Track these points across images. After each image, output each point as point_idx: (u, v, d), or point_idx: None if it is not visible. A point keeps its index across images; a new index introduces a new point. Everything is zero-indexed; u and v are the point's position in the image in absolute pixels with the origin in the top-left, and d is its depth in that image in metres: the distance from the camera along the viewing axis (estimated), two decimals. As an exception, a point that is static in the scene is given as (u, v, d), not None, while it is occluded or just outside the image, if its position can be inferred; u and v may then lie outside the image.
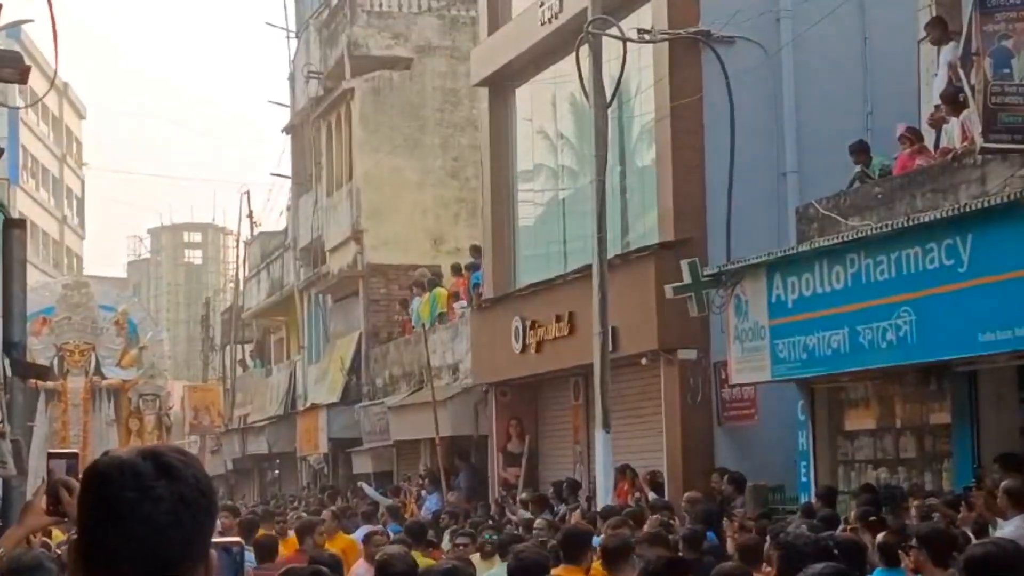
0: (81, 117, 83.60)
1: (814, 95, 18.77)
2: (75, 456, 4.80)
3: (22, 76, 6.46)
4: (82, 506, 2.22)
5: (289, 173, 40.68)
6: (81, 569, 2.20)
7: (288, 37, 39.37)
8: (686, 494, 16.15)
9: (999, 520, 11.86)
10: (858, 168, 16.67)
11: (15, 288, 6.66)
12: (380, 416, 29.32)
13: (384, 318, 31.67)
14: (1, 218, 7.12)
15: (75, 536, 2.37)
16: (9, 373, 6.22)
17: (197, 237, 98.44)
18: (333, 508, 20.21)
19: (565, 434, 23.34)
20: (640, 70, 19.94)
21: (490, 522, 18.38)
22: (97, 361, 36.44)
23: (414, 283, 29.42)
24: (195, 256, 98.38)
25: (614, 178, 20.83)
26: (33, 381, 33.71)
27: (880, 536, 11.16)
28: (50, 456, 4.97)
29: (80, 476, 4.75)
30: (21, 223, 6.97)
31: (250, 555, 12.22)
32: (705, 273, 16.76)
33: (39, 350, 35.28)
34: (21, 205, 66.16)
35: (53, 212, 75.08)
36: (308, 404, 35.70)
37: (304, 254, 37.24)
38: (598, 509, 16.40)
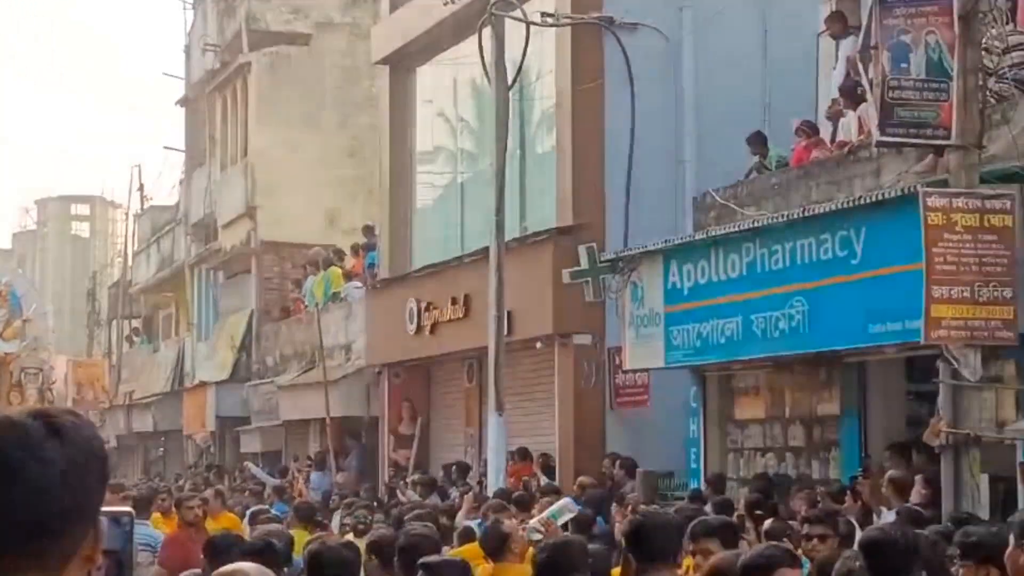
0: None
1: (714, 85, 18.89)
2: None
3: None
4: None
5: (182, 147, 40.17)
6: None
7: (185, 8, 38.88)
8: (578, 479, 16.22)
9: (883, 509, 12.07)
10: (756, 159, 16.82)
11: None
12: (270, 395, 29.10)
13: (277, 296, 31.43)
14: None
15: None
16: None
17: (85, 210, 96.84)
18: (218, 487, 20.02)
19: (457, 417, 23.33)
20: (542, 54, 19.92)
21: (377, 504, 18.37)
22: (-21, 333, 35.84)
23: (308, 262, 29.20)
24: (83, 229, 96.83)
25: (514, 162, 20.79)
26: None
27: (767, 523, 11.30)
28: None
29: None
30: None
31: (148, 529, 12.10)
32: (602, 259, 16.82)
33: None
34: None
35: (-63, 180, 73.57)
36: (196, 382, 35.33)
37: (196, 229, 36.81)
38: (488, 492, 16.43)
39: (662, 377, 17.38)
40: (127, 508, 2.60)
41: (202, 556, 7.28)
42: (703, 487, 15.46)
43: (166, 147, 42.72)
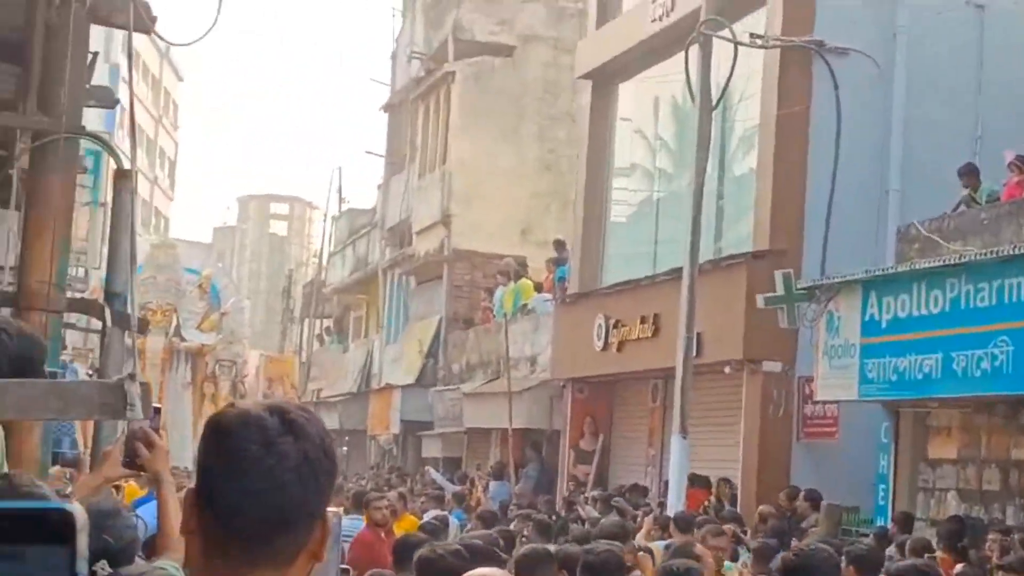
0: (180, 79, 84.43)
1: (924, 114, 18.45)
2: (157, 411, 4.72)
3: (150, 24, 6.46)
4: (204, 456, 2.16)
5: (383, 152, 40.76)
6: (196, 517, 2.16)
7: (394, 16, 39.47)
8: (760, 508, 15.96)
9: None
10: (965, 192, 16.37)
11: (123, 238, 6.67)
12: (454, 402, 29.30)
13: (466, 304, 31.64)
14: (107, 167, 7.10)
15: (193, 485, 2.32)
16: (109, 322, 6.25)
17: (284, 209, 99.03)
18: (401, 489, 20.23)
19: (639, 436, 23.18)
20: (747, 75, 19.72)
21: (555, 517, 18.34)
22: (178, 323, 36.72)
23: (499, 271, 29.33)
24: (280, 228, 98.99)
25: (711, 183, 20.63)
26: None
27: (959, 567, 10.97)
28: None
29: (160, 430, 4.70)
30: (129, 174, 6.98)
31: (358, 522, 12.29)
32: (799, 286, 16.54)
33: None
34: (113, 162, 67.03)
35: (146, 173, 75.81)
36: (383, 384, 35.77)
37: (391, 234, 37.30)
38: (669, 514, 16.26)
39: (853, 410, 17.02)
40: (336, 508, 2.61)
41: (390, 557, 7.29)
42: (889, 525, 15.08)
43: (367, 152, 43.33)
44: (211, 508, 2.13)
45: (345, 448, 42.83)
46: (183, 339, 36.38)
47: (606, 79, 24.78)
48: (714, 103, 18.47)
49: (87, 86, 7.29)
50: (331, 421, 40.72)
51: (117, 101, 8.94)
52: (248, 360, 45.49)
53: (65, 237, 6.39)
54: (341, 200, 48.53)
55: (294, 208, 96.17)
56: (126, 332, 6.24)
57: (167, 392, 35.76)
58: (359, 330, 43.70)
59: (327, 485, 2.16)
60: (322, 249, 49.33)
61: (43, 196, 6.28)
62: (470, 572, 4.19)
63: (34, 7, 4.82)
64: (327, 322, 48.41)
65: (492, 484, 24.93)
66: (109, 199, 23.26)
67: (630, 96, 24.61)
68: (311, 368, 46.06)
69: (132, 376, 2.26)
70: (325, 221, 49.97)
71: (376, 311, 39.49)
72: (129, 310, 6.28)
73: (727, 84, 18.28)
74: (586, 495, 21.75)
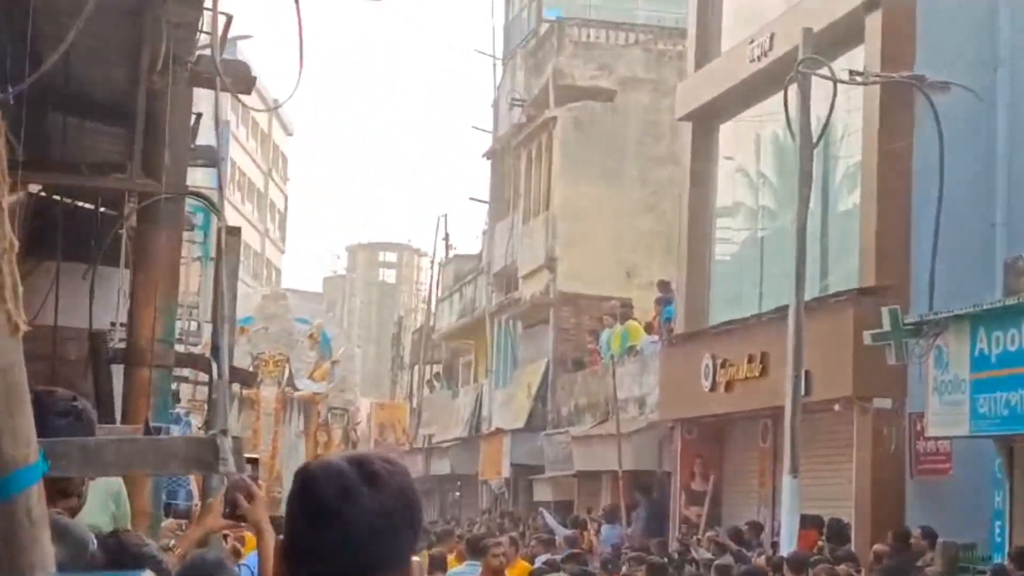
0: (288, 134, 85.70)
1: (1029, 146, 18.24)
2: (255, 461, 4.87)
3: (247, 87, 6.64)
4: (290, 505, 2.26)
5: (487, 198, 41.07)
6: (281, 565, 2.25)
7: (495, 64, 39.81)
8: (874, 547, 15.80)
9: None
10: (1072, 222, 16.16)
11: (227, 294, 6.84)
12: (564, 445, 29.33)
13: (573, 347, 31.71)
14: (214, 225, 7.38)
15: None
16: (215, 376, 6.42)
17: (392, 257, 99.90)
18: (512, 534, 20.31)
19: (750, 476, 23.04)
20: (847, 112, 19.66)
21: (669, 560, 18.29)
22: (290, 372, 37.17)
23: (605, 314, 29.36)
24: (389, 275, 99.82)
25: (814, 220, 20.55)
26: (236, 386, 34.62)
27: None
28: None
29: (260, 480, 4.83)
30: (236, 230, 7.17)
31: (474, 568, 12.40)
32: (906, 321, 16.39)
33: (236, 358, 36.11)
34: (227, 217, 68.16)
35: (256, 225, 77.04)
36: (492, 428, 35.91)
37: (497, 279, 37.52)
38: (783, 555, 16.15)
39: (966, 445, 16.80)
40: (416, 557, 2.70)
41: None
42: (1007, 562, 14.85)
43: (471, 198, 43.68)
44: (294, 557, 2.21)
45: (458, 493, 43.05)
46: (296, 388, 36.82)
47: (706, 120, 24.80)
48: (815, 141, 18.41)
49: (192, 146, 7.51)
50: (442, 466, 40.96)
51: (222, 159, 9.15)
52: (360, 407, 45.99)
53: (172, 294, 6.58)
54: (447, 247, 48.95)
55: (402, 255, 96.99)
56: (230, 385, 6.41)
57: (281, 441, 36.21)
58: (468, 375, 43.94)
59: (409, 536, 2.23)
60: (430, 295, 49.73)
61: (150, 255, 6.49)
62: None
63: (137, 73, 5.00)
64: (437, 368, 48.72)
65: (604, 527, 24.90)
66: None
67: (731, 135, 24.60)
68: (422, 414, 46.37)
69: (224, 431, 2.37)
70: (432, 268, 50.40)
71: (485, 356, 39.70)
72: (231, 364, 6.44)
73: (827, 122, 18.23)
74: (698, 536, 21.67)
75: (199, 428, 35.63)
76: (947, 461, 17.42)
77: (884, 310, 16.59)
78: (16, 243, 2.31)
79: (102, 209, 7.48)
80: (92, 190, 7.29)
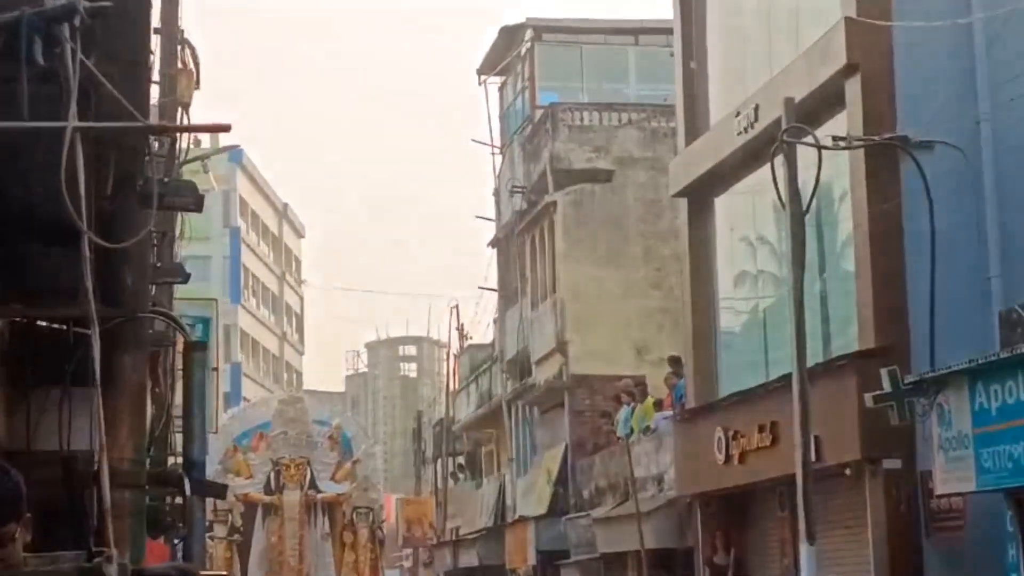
0: (300, 236, 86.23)
1: (1017, 198, 18.31)
2: None
3: (197, 206, 6.79)
4: None
5: (495, 286, 41.24)
6: None
7: (493, 154, 40.14)
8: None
9: None
10: (1064, 270, 16.21)
11: (194, 408, 6.95)
12: (587, 528, 29.26)
13: (589, 429, 31.72)
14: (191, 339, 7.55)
15: None
16: (188, 492, 6.51)
17: (412, 350, 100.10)
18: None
19: (772, 546, 22.93)
20: (838, 176, 19.79)
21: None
22: (312, 475, 37.20)
23: (622, 391, 29.34)
24: (410, 369, 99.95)
25: (815, 286, 20.63)
26: (243, 494, 34.57)
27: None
28: None
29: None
30: (202, 346, 7.28)
31: None
32: (906, 381, 16.41)
33: (257, 465, 36.21)
34: (242, 322, 68.41)
35: (273, 329, 77.34)
36: (516, 516, 35.83)
37: (511, 366, 37.59)
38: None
39: (979, 501, 16.74)
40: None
41: None
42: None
43: (480, 287, 43.88)
44: None
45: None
46: (319, 491, 36.89)
47: (700, 194, 24.97)
48: (804, 208, 18.53)
49: (157, 264, 7.63)
50: (470, 558, 40.81)
51: (188, 276, 9.29)
52: (385, 505, 45.95)
53: (139, 414, 6.69)
54: (462, 337, 49.07)
55: (422, 348, 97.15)
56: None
57: (307, 545, 36.21)
58: (491, 465, 43.90)
59: None
60: (447, 387, 49.79)
61: (115, 377, 6.59)
62: None
63: (88, 198, 5.15)
64: (460, 459, 48.69)
65: (631, 608, 24.79)
66: (219, 363, 23.75)
67: (726, 207, 24.74)
68: (447, 507, 46.25)
69: (110, 558, 2.45)
70: (447, 360, 50.49)
71: (505, 444, 39.70)
72: (203, 478, 6.52)
73: (815, 189, 18.36)
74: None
75: (220, 539, 35.48)
76: (960, 518, 17.36)
77: (883, 371, 16.62)
78: None
79: (76, 330, 7.60)
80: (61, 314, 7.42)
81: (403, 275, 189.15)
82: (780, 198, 18.56)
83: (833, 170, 19.16)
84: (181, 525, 9.87)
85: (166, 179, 6.38)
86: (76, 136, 4.09)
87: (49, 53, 4.43)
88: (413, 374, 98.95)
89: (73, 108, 4.08)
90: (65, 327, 7.75)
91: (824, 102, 19.73)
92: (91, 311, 3.12)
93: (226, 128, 5.73)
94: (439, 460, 49.20)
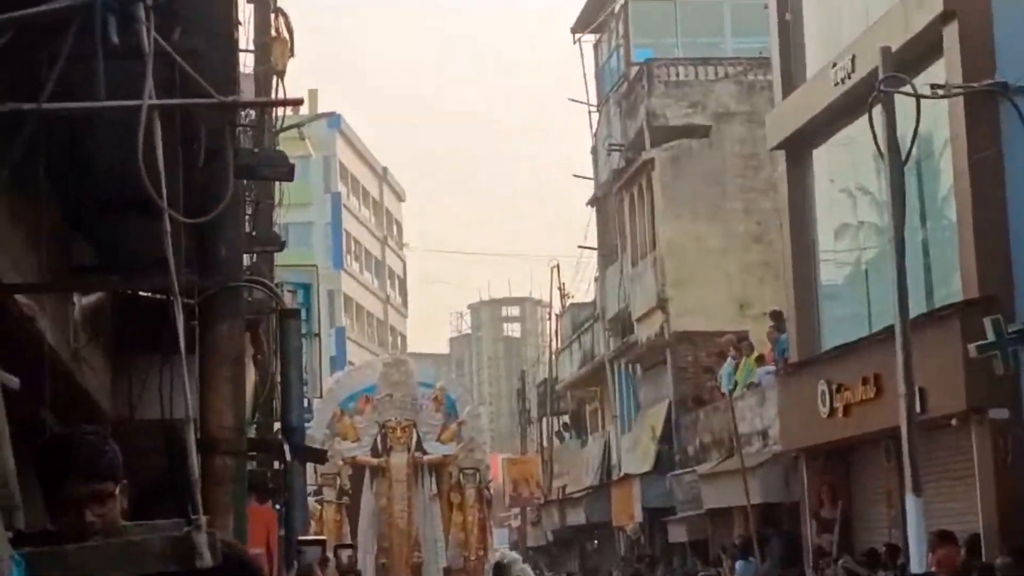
0: (400, 200, 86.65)
1: (1123, 140, 17.95)
2: (321, 543, 5.11)
3: (289, 175, 6.88)
4: None
5: (595, 245, 41.22)
6: None
7: (590, 112, 40.05)
8: (998, 560, 15.57)
9: None
10: None
11: (292, 374, 7.06)
12: (692, 484, 29.26)
13: (692, 385, 31.66)
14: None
15: None
16: (288, 458, 6.62)
17: (515, 311, 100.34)
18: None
19: (878, 499, 22.78)
20: (937, 125, 19.51)
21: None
22: (418, 437, 37.49)
23: (725, 347, 29.22)
24: (513, 330, 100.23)
25: (917, 235, 20.40)
26: (350, 457, 34.98)
27: None
28: (300, 543, 5.29)
29: (340, 560, 5.03)
30: (296, 313, 7.39)
31: None
32: (1010, 330, 16.20)
33: (363, 428, 36.63)
34: (346, 287, 69.00)
35: (377, 293, 77.89)
36: (622, 474, 35.90)
37: (613, 324, 37.60)
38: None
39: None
40: None
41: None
42: None
43: (580, 246, 43.84)
44: None
45: (595, 542, 43.00)
46: (425, 452, 37.15)
47: (799, 147, 24.74)
48: (904, 158, 18.29)
49: (252, 233, 7.74)
50: (577, 516, 40.98)
51: (284, 244, 9.42)
52: (492, 465, 46.24)
53: (239, 381, 6.81)
54: (564, 296, 49.13)
55: (524, 308, 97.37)
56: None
57: (415, 506, 36.54)
58: (595, 423, 43.99)
59: None
60: (550, 347, 49.90)
61: (213, 345, 6.72)
62: None
63: (175, 172, 5.23)
64: (564, 418, 48.83)
65: (738, 564, 24.79)
66: (320, 328, 23.99)
67: (826, 159, 24.50)
68: (553, 466, 46.44)
69: (199, 525, 2.53)
70: (550, 320, 50.60)
71: (608, 402, 39.75)
72: (303, 444, 6.63)
73: (914, 139, 18.07)
74: (833, 564, 21.47)
75: (330, 502, 35.93)
76: (1071, 467, 17.13)
77: (986, 321, 16.42)
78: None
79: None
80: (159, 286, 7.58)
81: (503, 236, 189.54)
82: (879, 148, 18.34)
83: (932, 119, 18.87)
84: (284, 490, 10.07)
85: (256, 149, 6.48)
86: (154, 114, 4.16)
87: (127, 30, 4.51)
88: (516, 334, 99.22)
89: (149, 86, 4.15)
90: (164, 298, 7.89)
91: (922, 50, 19.44)
92: (173, 284, 3.20)
93: (299, 102, 5.80)
94: (544, 419, 49.38)
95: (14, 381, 5.55)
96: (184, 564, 2.51)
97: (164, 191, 2.88)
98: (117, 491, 3.78)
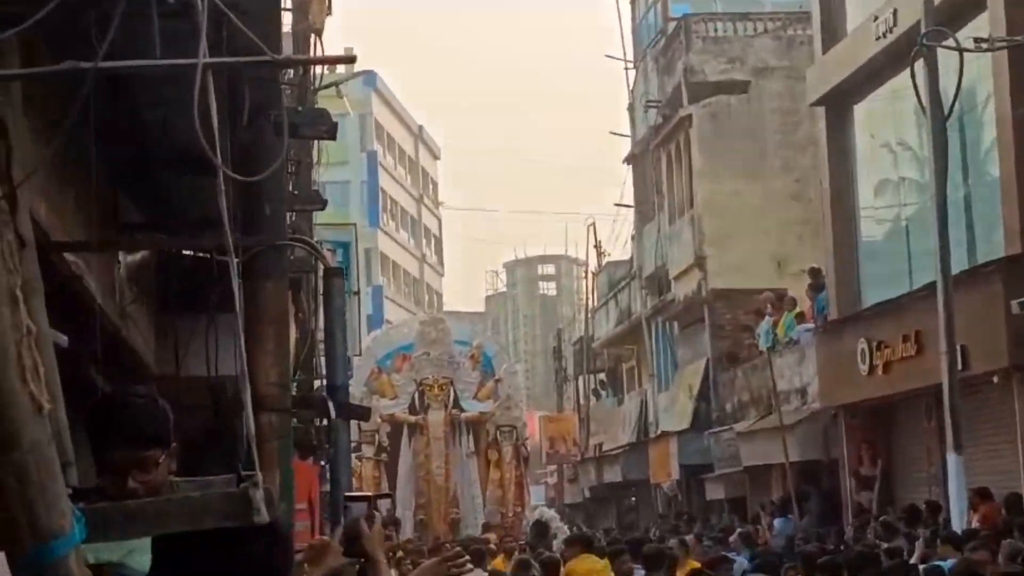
0: (436, 158, 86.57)
1: None
2: (367, 498, 5.12)
3: (331, 133, 6.85)
4: None
5: (632, 202, 41.08)
6: None
7: (627, 69, 39.84)
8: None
9: None
10: None
11: (336, 333, 7.06)
12: (730, 442, 29.22)
13: (730, 343, 31.56)
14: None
15: None
16: (332, 415, 6.64)
17: (550, 269, 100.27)
18: (688, 536, 20.37)
19: (918, 456, 22.71)
20: (980, 79, 19.32)
21: (844, 547, 18.11)
22: (455, 395, 37.55)
23: (763, 304, 29.10)
24: (549, 288, 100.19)
25: (959, 191, 20.24)
26: (388, 414, 35.09)
27: None
28: (347, 499, 5.29)
29: (377, 512, 5.02)
30: (340, 271, 7.38)
31: None
32: (1054, 286, 16.07)
33: (401, 385, 36.74)
34: (382, 246, 69.08)
35: (413, 252, 77.96)
36: (659, 432, 35.89)
37: (649, 282, 37.51)
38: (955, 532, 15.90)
39: None
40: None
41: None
42: None
43: (617, 204, 43.72)
44: None
45: (633, 499, 43.08)
46: (462, 410, 37.23)
47: (839, 102, 24.56)
48: (947, 113, 18.12)
49: (294, 192, 7.73)
50: (614, 474, 41.04)
51: (325, 203, 9.42)
52: (528, 422, 46.31)
53: (283, 340, 6.81)
54: (600, 254, 49.04)
55: (560, 266, 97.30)
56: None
57: (453, 463, 36.66)
58: (632, 381, 43.98)
59: None
60: (586, 305, 49.87)
61: (257, 304, 6.71)
62: None
63: (225, 129, 5.21)
64: (600, 376, 48.83)
65: (776, 521, 24.75)
66: (359, 286, 23.99)
67: (866, 114, 24.31)
68: (590, 424, 46.49)
69: (256, 482, 2.53)
70: (586, 278, 50.54)
71: (645, 361, 39.71)
72: (346, 401, 6.63)
73: (957, 93, 17.91)
74: (871, 522, 21.41)
75: (368, 458, 36.08)
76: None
77: (1029, 277, 16.29)
78: (35, 328, 2.48)
79: (219, 258, 7.76)
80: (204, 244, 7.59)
81: (540, 194, 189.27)
82: (921, 103, 18.18)
83: (975, 73, 18.69)
84: (328, 447, 10.08)
85: (300, 108, 6.47)
86: (208, 73, 4.14)
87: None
88: (552, 293, 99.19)
89: (203, 45, 4.12)
90: (208, 256, 7.90)
91: (965, 4, 19.26)
92: (228, 242, 3.20)
93: (352, 59, 5.76)
94: (580, 378, 49.41)
95: (63, 339, 5.56)
96: (240, 520, 2.51)
97: (219, 149, 2.86)
98: (163, 457, 3.72)
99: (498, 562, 16.36)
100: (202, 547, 2.37)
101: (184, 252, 9.02)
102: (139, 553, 2.97)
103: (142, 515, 2.50)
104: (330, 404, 6.74)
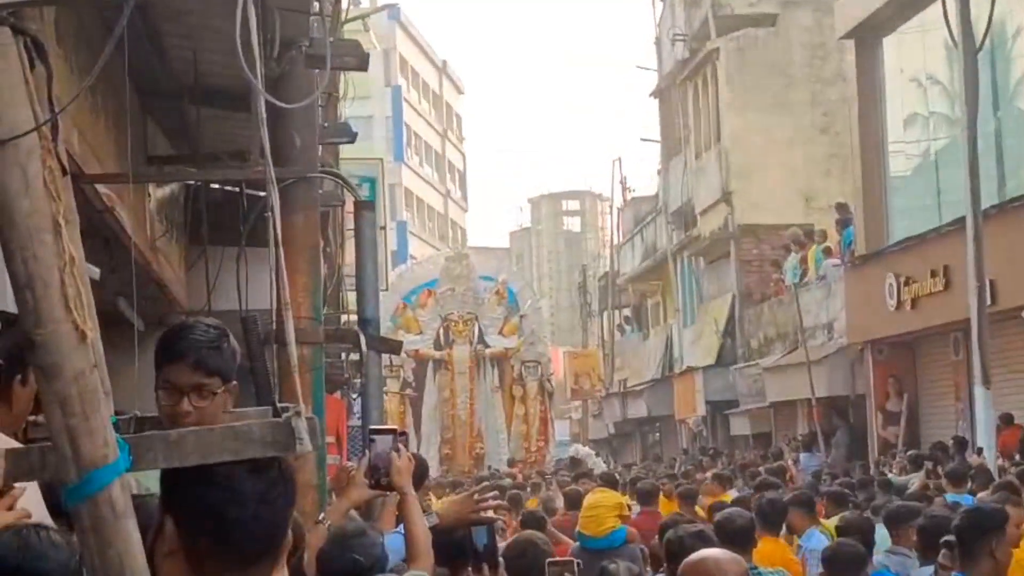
0: (460, 93, 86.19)
1: None
2: (393, 432, 5.11)
3: (361, 65, 6.79)
4: None
5: (658, 137, 40.88)
6: None
7: (653, 2, 39.51)
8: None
9: None
10: None
11: (367, 266, 7.03)
12: (755, 378, 29.20)
13: (756, 279, 31.48)
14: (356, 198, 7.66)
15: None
16: (364, 348, 6.63)
17: (575, 205, 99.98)
18: (714, 471, 20.38)
19: (946, 392, 22.67)
20: (1014, 11, 19.09)
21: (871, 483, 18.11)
22: (480, 330, 37.57)
23: (791, 239, 28.98)
24: (574, 224, 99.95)
25: (989, 125, 20.03)
26: (413, 350, 35.15)
27: None
28: (371, 431, 5.27)
29: (403, 447, 5.01)
30: (371, 205, 7.34)
31: None
32: (1085, 221, 15.93)
33: (426, 321, 36.77)
34: (406, 181, 68.97)
35: (437, 187, 77.81)
36: (684, 367, 35.89)
37: (675, 218, 37.39)
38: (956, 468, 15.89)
39: None
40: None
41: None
42: None
43: (643, 139, 43.50)
44: None
45: (657, 434, 43.17)
46: (487, 345, 37.33)
47: (868, 35, 24.31)
48: (978, 46, 17.91)
49: (324, 125, 7.68)
50: (639, 409, 41.11)
51: (355, 135, 9.35)
52: (553, 358, 46.40)
53: (314, 273, 6.78)
54: (625, 190, 48.88)
55: (584, 202, 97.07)
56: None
57: (478, 398, 36.78)
58: (657, 317, 43.94)
59: None
60: (611, 240, 49.75)
61: (288, 237, 6.68)
62: (698, 554, 4.29)
63: (251, 64, 5.15)
64: (625, 312, 48.80)
65: (802, 456, 24.75)
66: (385, 221, 23.91)
67: (895, 48, 24.06)
68: (615, 359, 46.51)
69: (299, 412, 2.50)
70: (611, 213, 50.40)
71: (671, 296, 39.66)
72: (377, 335, 6.61)
73: (988, 26, 17.69)
74: (897, 457, 21.41)
75: (393, 393, 36.18)
76: None
77: (1060, 211, 16.16)
78: (76, 257, 2.46)
79: (248, 192, 7.73)
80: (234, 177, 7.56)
81: (564, 129, 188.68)
82: (952, 36, 17.97)
83: (1007, 4, 18.46)
84: (358, 381, 10.07)
85: (330, 39, 6.41)
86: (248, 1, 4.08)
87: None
88: (576, 229, 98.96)
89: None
90: (238, 189, 7.87)
91: (998, -67, 18.95)
92: (270, 171, 3.15)
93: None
94: (605, 313, 49.39)
95: (95, 271, 5.54)
96: (283, 449, 2.49)
97: (261, 77, 2.81)
98: (222, 390, 3.76)
99: (532, 502, 16.44)
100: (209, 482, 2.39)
101: (213, 185, 8.99)
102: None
103: (184, 444, 2.47)
104: (362, 337, 6.72)
